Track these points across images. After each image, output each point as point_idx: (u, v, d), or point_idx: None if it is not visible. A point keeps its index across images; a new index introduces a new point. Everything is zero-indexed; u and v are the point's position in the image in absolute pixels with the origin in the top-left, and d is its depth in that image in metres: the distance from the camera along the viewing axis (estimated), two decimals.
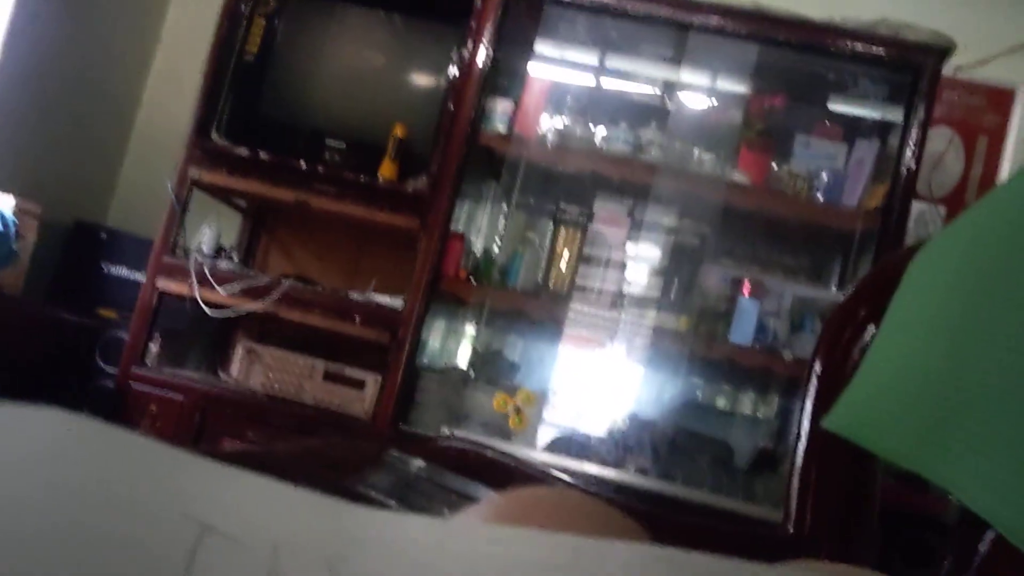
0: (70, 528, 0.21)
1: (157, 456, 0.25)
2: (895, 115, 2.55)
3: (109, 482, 0.23)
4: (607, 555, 0.25)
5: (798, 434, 0.95)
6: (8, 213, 2.56)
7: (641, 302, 2.57)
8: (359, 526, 0.25)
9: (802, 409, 0.95)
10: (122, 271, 2.93)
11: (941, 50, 2.44)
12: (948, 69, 2.69)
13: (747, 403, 2.79)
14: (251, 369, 2.53)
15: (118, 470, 0.24)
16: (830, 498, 0.96)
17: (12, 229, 2.56)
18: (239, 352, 2.56)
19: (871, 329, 0.91)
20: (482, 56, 2.54)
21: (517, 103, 2.62)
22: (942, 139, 2.96)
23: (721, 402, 2.81)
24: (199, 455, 0.25)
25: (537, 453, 2.41)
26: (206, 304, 2.48)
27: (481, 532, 0.26)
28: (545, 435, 2.51)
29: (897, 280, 0.80)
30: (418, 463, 0.87)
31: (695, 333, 2.48)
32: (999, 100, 2.98)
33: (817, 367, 0.94)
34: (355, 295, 2.53)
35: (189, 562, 0.21)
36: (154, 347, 2.56)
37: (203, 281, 2.50)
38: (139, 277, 2.75)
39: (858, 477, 0.95)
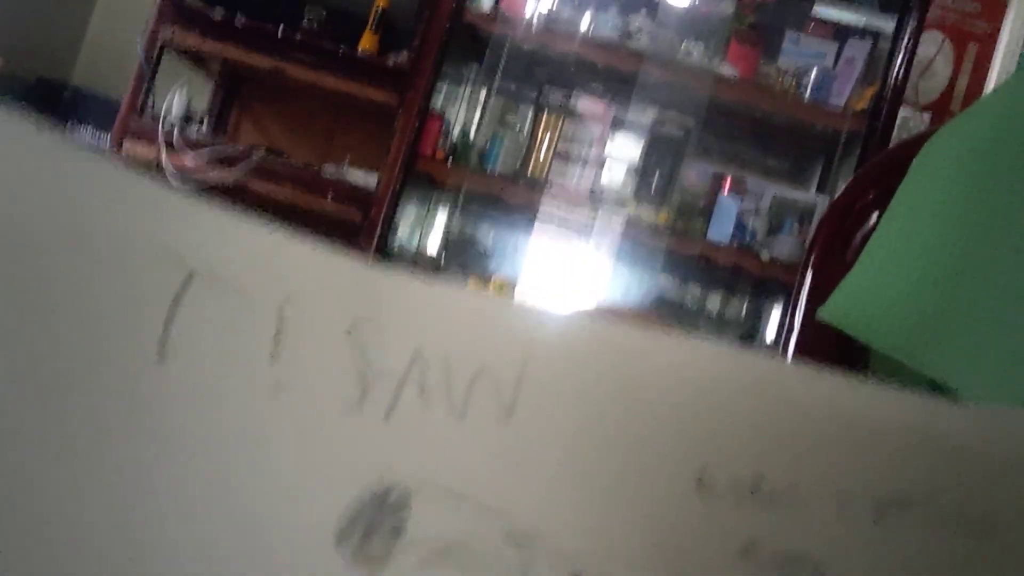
0: (30, 248, 0.18)
1: (143, 190, 0.21)
2: (888, 15, 2.49)
3: (72, 201, 0.19)
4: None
5: (789, 327, 0.94)
6: None
7: (620, 193, 2.54)
8: (384, 289, 0.22)
9: (796, 300, 0.93)
10: (85, 132, 2.83)
11: None
12: None
13: (717, 302, 2.79)
14: None
15: (86, 190, 0.20)
16: None
17: None
18: None
19: (874, 217, 0.88)
20: None
21: None
22: (933, 44, 2.91)
23: (692, 300, 2.81)
24: (193, 197, 0.21)
25: None
26: (173, 171, 2.40)
27: (526, 310, 0.23)
28: None
29: (906, 167, 0.78)
30: None
31: (672, 228, 2.46)
32: (993, 6, 2.93)
33: (815, 254, 0.92)
34: (328, 170, 2.47)
35: (173, 307, 0.18)
36: None
37: (171, 147, 2.42)
38: (102, 140, 2.66)
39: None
